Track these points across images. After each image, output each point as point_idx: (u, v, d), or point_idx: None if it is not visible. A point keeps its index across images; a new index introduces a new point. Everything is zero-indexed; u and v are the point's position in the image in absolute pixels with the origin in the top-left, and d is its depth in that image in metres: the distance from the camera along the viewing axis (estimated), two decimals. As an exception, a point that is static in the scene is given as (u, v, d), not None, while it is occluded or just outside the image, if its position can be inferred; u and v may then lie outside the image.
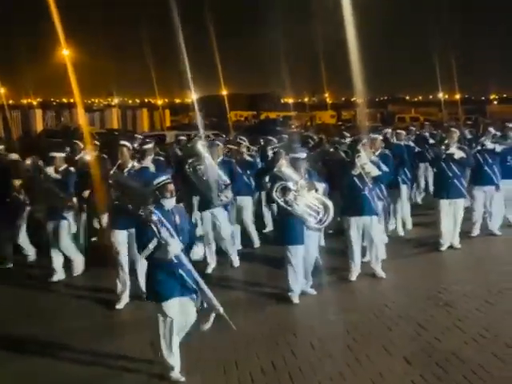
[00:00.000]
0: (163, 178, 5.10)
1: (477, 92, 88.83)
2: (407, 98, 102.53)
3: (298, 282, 6.86)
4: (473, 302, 6.69)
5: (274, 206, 8.12)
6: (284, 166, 6.56)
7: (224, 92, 49.21)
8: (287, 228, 6.79)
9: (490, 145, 9.50)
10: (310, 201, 6.62)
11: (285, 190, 6.59)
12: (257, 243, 9.44)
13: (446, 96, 57.00)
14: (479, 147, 9.52)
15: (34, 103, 51.76)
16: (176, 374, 5.00)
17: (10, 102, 44.97)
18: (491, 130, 9.97)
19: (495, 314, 6.29)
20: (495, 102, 73.54)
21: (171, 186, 5.06)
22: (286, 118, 45.50)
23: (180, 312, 5.03)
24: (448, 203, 8.77)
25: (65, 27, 21.68)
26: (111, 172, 6.81)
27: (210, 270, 8.01)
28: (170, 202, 5.05)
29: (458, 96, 54.58)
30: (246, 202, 9.25)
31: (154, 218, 4.82)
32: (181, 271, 4.97)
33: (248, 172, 9.29)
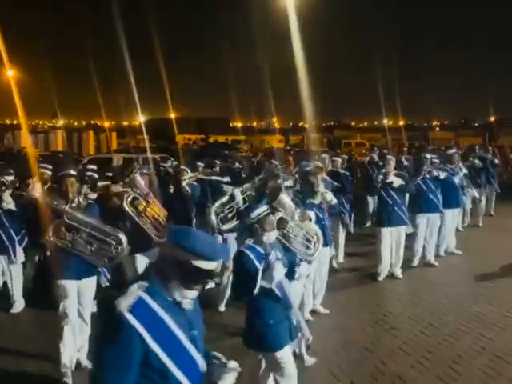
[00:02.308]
0: (263, 208, 4.47)
1: (420, 118, 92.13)
2: (353, 123, 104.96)
3: None
4: (417, 325, 6.81)
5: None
6: (284, 200, 5.83)
7: (172, 115, 49.03)
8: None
9: (434, 172, 9.44)
10: (306, 231, 5.97)
11: (281, 222, 5.69)
12: None
13: (391, 122, 58.65)
14: (422, 175, 9.35)
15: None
16: None
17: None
18: (427, 155, 9.88)
19: (438, 337, 6.40)
20: (437, 129, 76.32)
21: (272, 218, 4.51)
22: (235, 142, 45.91)
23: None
24: (390, 231, 8.75)
25: (8, 47, 21.15)
26: (66, 209, 5.33)
27: None
28: (271, 236, 4.43)
29: (401, 122, 56.26)
30: None
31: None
32: (288, 313, 4.31)
33: None
